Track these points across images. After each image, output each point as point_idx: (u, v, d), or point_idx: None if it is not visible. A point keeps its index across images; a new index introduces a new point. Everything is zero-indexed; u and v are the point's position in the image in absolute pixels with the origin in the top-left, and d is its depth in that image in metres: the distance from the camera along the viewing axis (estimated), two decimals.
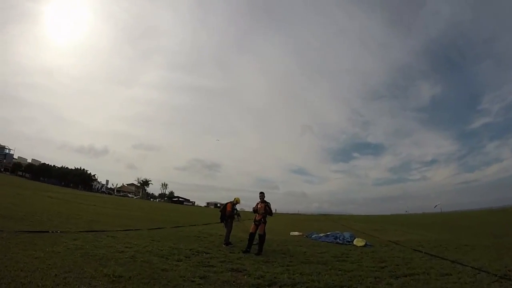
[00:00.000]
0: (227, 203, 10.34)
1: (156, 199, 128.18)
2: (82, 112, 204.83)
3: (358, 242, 12.06)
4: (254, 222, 8.97)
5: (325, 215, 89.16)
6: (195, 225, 18.52)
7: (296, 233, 16.82)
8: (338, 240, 12.58)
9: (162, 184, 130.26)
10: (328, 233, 14.65)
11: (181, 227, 16.21)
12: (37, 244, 6.64)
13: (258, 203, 9.04)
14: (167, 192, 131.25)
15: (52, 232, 8.72)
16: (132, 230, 11.82)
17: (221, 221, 10.44)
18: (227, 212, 10.15)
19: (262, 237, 8.74)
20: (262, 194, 9.15)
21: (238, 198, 10.47)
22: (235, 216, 10.41)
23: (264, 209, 8.89)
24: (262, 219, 8.86)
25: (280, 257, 8.55)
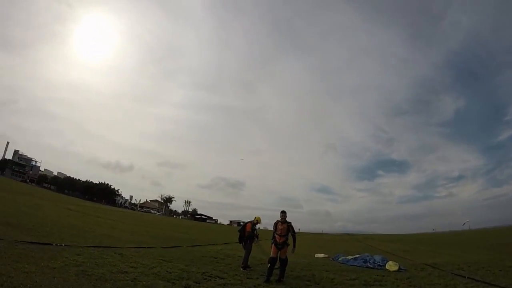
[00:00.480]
0: (246, 223, 10.02)
1: (179, 216, 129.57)
2: (109, 128, 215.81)
3: (391, 266, 11.28)
4: (274, 244, 8.24)
5: (349, 234, 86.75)
6: (214, 244, 18.17)
7: (322, 255, 16.09)
8: (368, 264, 11.83)
9: (185, 201, 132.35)
10: (357, 255, 13.85)
11: (198, 246, 15.91)
12: (34, 257, 6.40)
13: (278, 223, 8.42)
14: (190, 209, 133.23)
15: (56, 245, 8.50)
16: (145, 247, 11.53)
17: (240, 242, 10.09)
18: (246, 233, 9.80)
19: (284, 262, 8.18)
20: (283, 214, 8.48)
21: (259, 218, 10.10)
22: (255, 238, 10.04)
23: (286, 230, 8.28)
24: (285, 241, 8.27)
25: (304, 284, 8.10)
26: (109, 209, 56.59)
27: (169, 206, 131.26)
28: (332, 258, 14.69)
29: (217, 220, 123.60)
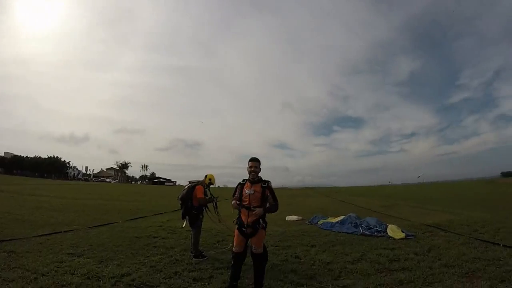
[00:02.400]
0: (195, 185, 6.69)
1: (136, 181, 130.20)
2: (62, 99, 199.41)
3: (394, 232, 8.93)
4: (238, 228, 4.61)
5: (311, 188, 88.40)
6: (161, 213, 15.26)
7: (294, 217, 13.45)
8: (363, 230, 9.16)
9: (142, 165, 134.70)
10: (341, 217, 11.18)
11: (141, 218, 13.03)
12: None
13: (245, 184, 4.68)
14: (148, 174, 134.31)
15: None
16: (61, 232, 8.78)
17: (183, 217, 6.81)
18: (197, 201, 6.59)
19: (260, 259, 4.57)
20: (254, 163, 4.65)
21: (212, 176, 6.97)
22: (210, 208, 7.09)
23: (260, 199, 4.53)
24: (259, 222, 4.49)
25: (293, 282, 5.07)
26: (57, 183, 52.72)
27: (125, 173, 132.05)
28: (309, 222, 12.08)
29: (176, 182, 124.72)
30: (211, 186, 7.09)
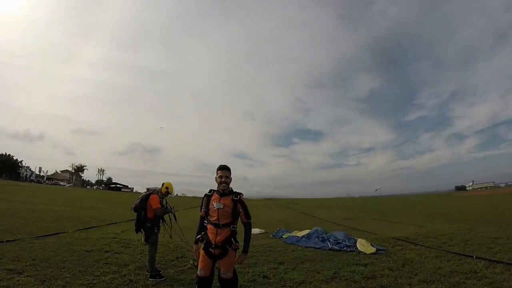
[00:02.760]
0: (149, 194, 5.80)
1: (92, 186, 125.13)
2: (18, 92, 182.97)
3: (365, 246, 8.45)
4: (204, 248, 3.78)
5: (270, 199, 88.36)
6: (116, 222, 13.99)
7: (257, 230, 12.60)
8: (331, 245, 8.58)
9: (98, 169, 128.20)
10: (306, 231, 10.54)
11: (93, 228, 11.80)
12: None
13: (212, 195, 3.86)
14: (104, 179, 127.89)
15: None
16: (2, 242, 7.71)
17: (137, 231, 5.88)
18: (154, 212, 5.73)
19: (230, 285, 3.81)
20: (224, 172, 3.83)
21: (170, 184, 6.12)
22: (168, 219, 6.34)
23: (231, 214, 3.77)
24: (230, 242, 3.72)
25: None
26: (5, 184, 48.79)
27: (81, 176, 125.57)
28: (273, 235, 11.24)
29: (133, 188, 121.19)
30: (169, 195, 6.21)
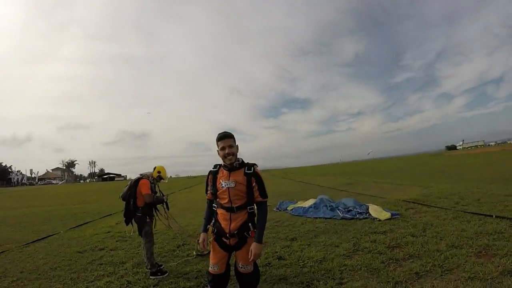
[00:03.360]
0: (139, 179, 5.18)
1: (85, 180, 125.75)
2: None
3: (378, 212, 8.09)
4: (216, 237, 3.02)
5: (266, 170, 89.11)
6: (109, 214, 13.47)
7: None
8: (344, 214, 8.19)
9: (89, 162, 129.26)
10: (312, 200, 10.23)
11: (86, 224, 11.37)
12: None
13: (219, 171, 3.03)
14: (97, 170, 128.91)
15: None
16: None
17: (127, 222, 5.23)
18: (144, 198, 5.10)
19: (250, 279, 3.06)
20: (228, 141, 2.91)
21: (162, 168, 5.50)
22: (161, 210, 5.68)
23: (245, 192, 2.90)
24: (247, 228, 2.91)
25: None
26: None
27: (73, 172, 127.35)
28: (277, 208, 10.92)
29: (126, 176, 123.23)
30: (162, 181, 5.56)
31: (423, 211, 8.30)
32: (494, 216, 6.93)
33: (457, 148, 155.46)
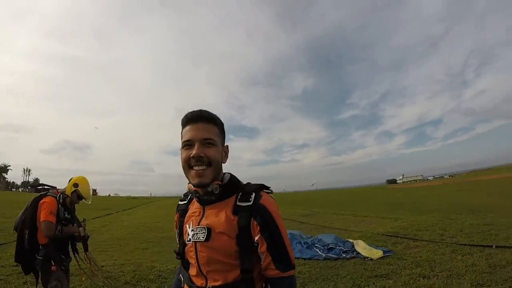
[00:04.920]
0: (39, 198, 3.42)
1: (18, 188, 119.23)
2: None
3: (368, 250, 7.17)
4: None
5: None
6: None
7: None
8: (327, 253, 7.15)
9: (24, 169, 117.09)
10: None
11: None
12: None
13: (187, 208, 1.48)
14: (31, 179, 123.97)
15: None
16: None
17: (26, 271, 3.36)
18: (43, 231, 3.23)
19: None
20: (197, 129, 1.30)
21: (83, 180, 3.68)
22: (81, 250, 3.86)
23: (236, 250, 1.25)
24: None
25: None
26: None
27: (5, 178, 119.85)
28: None
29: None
30: (82, 201, 3.69)
31: (413, 246, 7.72)
32: (494, 246, 6.71)
33: (397, 182, 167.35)
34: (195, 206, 1.44)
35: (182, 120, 1.37)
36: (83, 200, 3.65)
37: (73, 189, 3.52)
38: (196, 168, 1.28)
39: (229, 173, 1.41)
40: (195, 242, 1.33)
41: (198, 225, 1.34)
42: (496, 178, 55.42)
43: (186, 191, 1.53)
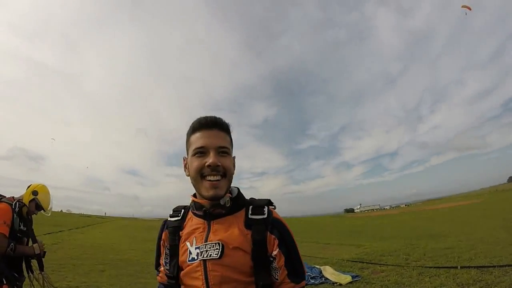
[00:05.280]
0: None
1: None
2: None
3: (336, 276, 7.02)
4: None
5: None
6: None
7: None
8: None
9: None
10: None
11: None
12: None
13: (182, 225, 1.31)
14: None
15: None
16: None
17: None
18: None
19: None
20: (215, 133, 1.23)
21: (42, 188, 3.19)
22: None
23: (250, 265, 1.15)
24: None
25: None
26: None
27: None
28: None
29: None
30: (41, 212, 3.21)
31: (379, 270, 7.70)
32: (459, 267, 6.85)
33: (355, 211, 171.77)
34: (195, 222, 1.29)
35: (193, 125, 1.27)
36: (42, 211, 3.19)
37: (32, 197, 3.07)
38: (211, 178, 1.18)
39: (235, 188, 1.32)
40: (204, 260, 1.17)
41: (206, 241, 1.20)
42: (451, 206, 58.55)
43: (178, 207, 1.41)
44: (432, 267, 7.24)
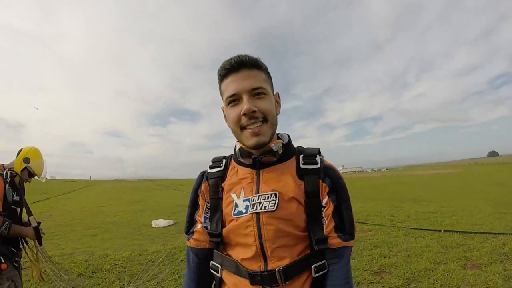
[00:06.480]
0: None
1: None
2: None
3: None
4: None
5: (151, 180, 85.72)
6: None
7: (163, 221, 10.47)
8: None
9: None
10: None
11: None
12: None
13: (224, 175, 1.19)
14: None
15: None
16: None
17: None
18: None
19: None
20: (245, 73, 1.05)
21: (34, 152, 2.93)
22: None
23: (304, 219, 1.04)
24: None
25: None
26: None
27: None
28: None
29: None
30: (35, 178, 2.99)
31: (367, 229, 8.31)
32: (442, 231, 7.49)
33: None
34: (241, 172, 1.18)
35: (219, 72, 1.13)
36: (35, 177, 2.99)
37: (24, 165, 2.87)
38: (251, 127, 1.06)
39: (285, 134, 1.23)
40: (258, 213, 1.05)
41: (258, 192, 1.09)
42: (430, 174, 61.13)
43: (214, 157, 1.29)
44: (417, 228, 7.92)
